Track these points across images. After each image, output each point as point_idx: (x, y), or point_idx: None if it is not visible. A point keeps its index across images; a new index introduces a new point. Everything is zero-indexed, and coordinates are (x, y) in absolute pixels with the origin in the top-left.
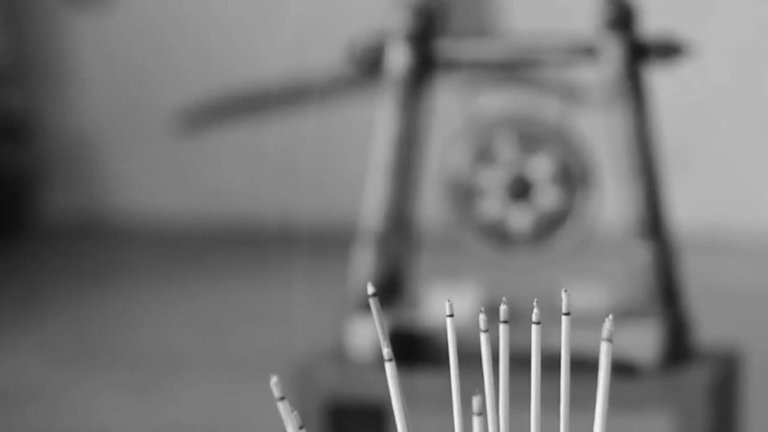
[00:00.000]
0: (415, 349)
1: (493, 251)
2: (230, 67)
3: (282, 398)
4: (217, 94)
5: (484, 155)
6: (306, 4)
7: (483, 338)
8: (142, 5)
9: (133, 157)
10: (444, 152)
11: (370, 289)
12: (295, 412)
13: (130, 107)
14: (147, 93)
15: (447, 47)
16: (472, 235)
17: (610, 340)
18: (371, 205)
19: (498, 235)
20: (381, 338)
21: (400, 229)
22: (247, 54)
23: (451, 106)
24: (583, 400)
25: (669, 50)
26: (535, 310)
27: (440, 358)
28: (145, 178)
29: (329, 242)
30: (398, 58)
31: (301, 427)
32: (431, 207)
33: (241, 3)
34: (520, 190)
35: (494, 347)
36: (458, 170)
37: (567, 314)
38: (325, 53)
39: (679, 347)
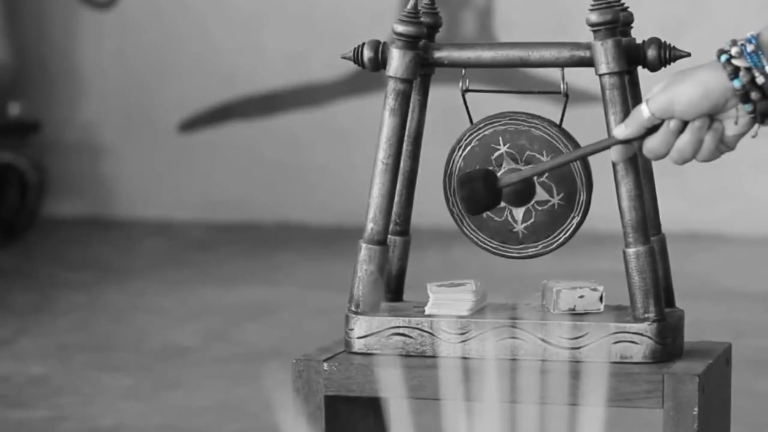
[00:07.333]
0: (416, 346)
1: (494, 251)
2: (234, 71)
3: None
4: (221, 98)
5: (485, 156)
6: (310, 7)
7: (480, 336)
8: (146, 10)
9: (139, 156)
10: (448, 153)
11: (374, 286)
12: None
13: (134, 108)
14: (150, 95)
15: (446, 50)
16: (473, 234)
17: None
18: (372, 203)
19: (499, 234)
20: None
21: (400, 228)
22: (252, 58)
23: (451, 107)
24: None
25: (661, 53)
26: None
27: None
28: (151, 177)
29: (332, 240)
30: (398, 61)
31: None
32: (431, 206)
33: (245, 8)
34: (521, 190)
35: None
36: (461, 171)
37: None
38: (329, 55)
39: (672, 343)
